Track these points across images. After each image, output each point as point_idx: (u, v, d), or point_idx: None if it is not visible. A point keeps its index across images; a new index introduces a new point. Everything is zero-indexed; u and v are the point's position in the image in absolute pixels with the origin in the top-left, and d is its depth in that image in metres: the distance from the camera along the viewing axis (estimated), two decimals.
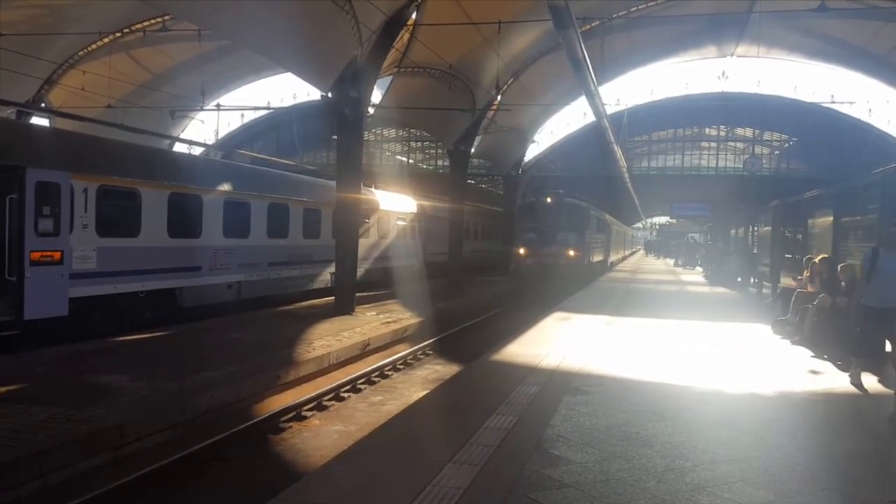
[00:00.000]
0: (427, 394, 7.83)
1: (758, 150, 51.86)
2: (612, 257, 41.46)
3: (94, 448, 7.18)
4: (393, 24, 18.20)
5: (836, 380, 9.13)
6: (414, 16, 21.04)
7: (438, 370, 13.20)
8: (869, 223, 13.31)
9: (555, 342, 11.44)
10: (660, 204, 62.41)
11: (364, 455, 5.63)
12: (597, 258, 30.70)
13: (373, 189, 25.58)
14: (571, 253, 25.26)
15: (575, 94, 34.00)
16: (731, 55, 40.37)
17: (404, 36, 22.60)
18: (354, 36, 16.79)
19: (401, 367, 13.34)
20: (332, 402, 10.41)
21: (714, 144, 55.56)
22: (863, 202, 13.48)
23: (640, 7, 30.08)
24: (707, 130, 55.54)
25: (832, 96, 49.89)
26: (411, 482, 4.92)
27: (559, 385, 8.21)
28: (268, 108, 44.92)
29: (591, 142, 42.86)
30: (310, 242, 20.53)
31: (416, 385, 11.78)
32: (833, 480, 5.24)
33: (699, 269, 40.64)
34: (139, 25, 30.87)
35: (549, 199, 26.79)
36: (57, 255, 12.02)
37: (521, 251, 25.92)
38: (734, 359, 10.59)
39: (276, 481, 6.18)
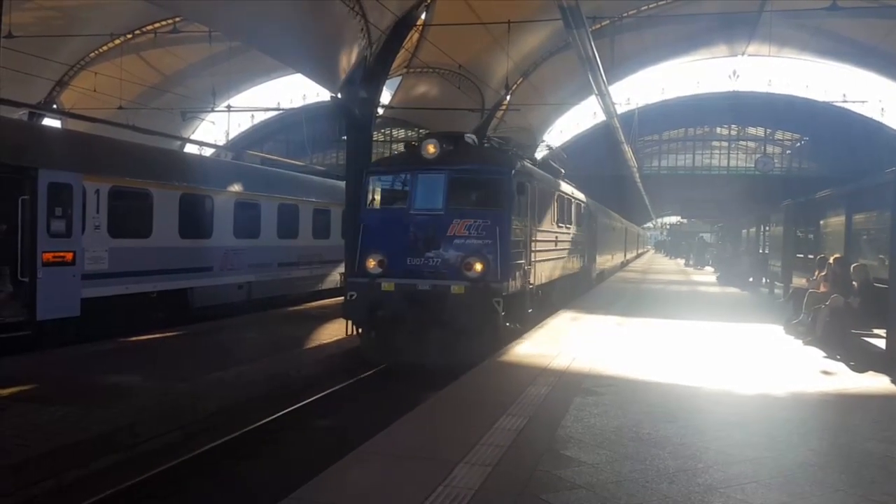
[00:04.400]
0: (438, 393, 7.82)
1: (769, 149, 51.70)
2: (603, 264, 29.26)
3: (108, 447, 7.21)
4: (403, 25, 18.23)
5: (848, 380, 9.06)
6: (423, 16, 21.07)
7: (447, 369, 13.16)
8: (882, 223, 13.22)
9: (565, 343, 11.40)
10: (671, 204, 62.23)
11: (376, 455, 5.63)
12: (560, 271, 16.97)
13: None
14: (478, 267, 11.23)
15: (585, 94, 33.99)
16: (742, 54, 40.31)
17: (414, 36, 22.65)
18: (364, 37, 16.83)
19: None
20: (345, 402, 10.42)
21: (725, 144, 55.45)
22: (876, 201, 13.39)
23: (650, 6, 30.04)
24: (718, 130, 55.44)
25: (844, 95, 49.78)
26: (423, 482, 4.92)
27: (570, 386, 8.18)
28: (278, 109, 45.05)
29: (600, 141, 42.79)
30: (319, 243, 20.58)
31: (428, 384, 11.76)
32: (846, 482, 5.20)
33: (709, 268, 40.48)
34: (150, 27, 31.09)
35: (430, 148, 11.95)
36: (69, 256, 12.09)
37: (369, 263, 11.65)
38: (746, 359, 10.53)
39: (288, 481, 6.18)
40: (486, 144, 13.44)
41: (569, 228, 17.97)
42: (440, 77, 27.57)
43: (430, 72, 26.95)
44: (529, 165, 14.06)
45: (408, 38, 20.51)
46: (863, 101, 41.02)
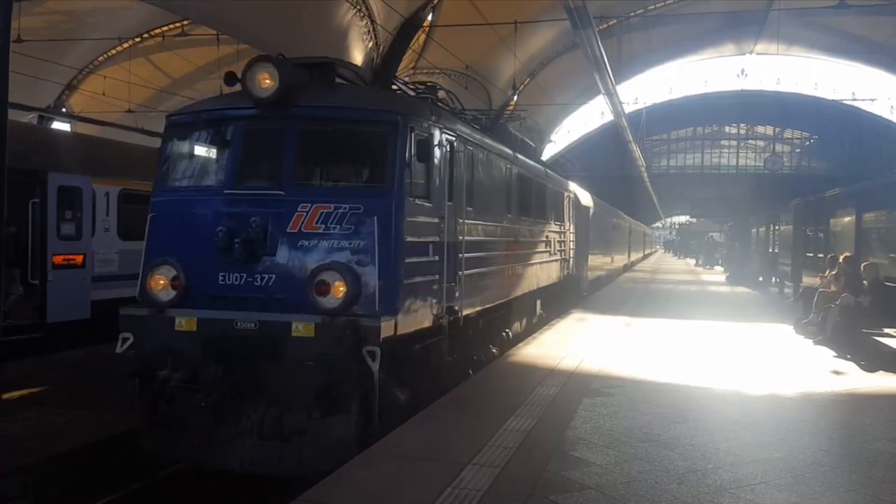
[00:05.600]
0: (445, 395, 7.81)
1: (778, 148, 51.57)
2: (601, 269, 24.92)
3: (117, 450, 7.23)
4: (409, 26, 18.28)
5: (859, 380, 9.02)
6: (430, 17, 21.10)
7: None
8: (893, 221, 13.17)
9: (573, 344, 11.37)
10: (679, 203, 62.05)
11: (385, 456, 5.63)
12: (521, 286, 11.82)
13: None
14: (340, 290, 6.18)
15: (592, 93, 33.99)
16: (750, 52, 40.25)
17: (420, 37, 22.67)
18: (371, 38, 16.87)
19: None
20: None
21: (734, 143, 55.35)
22: (886, 200, 13.33)
23: (657, 5, 30.00)
24: (727, 129, 55.34)
25: (853, 93, 49.48)
26: (431, 484, 4.92)
27: (578, 386, 8.16)
28: None
29: (608, 141, 42.79)
30: None
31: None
32: (857, 482, 5.18)
33: (719, 268, 40.35)
34: (158, 30, 31.19)
35: (264, 79, 6.57)
36: (79, 259, 12.14)
37: (155, 283, 6.69)
38: (756, 359, 10.48)
39: (294, 482, 6.19)
40: (397, 90, 8.85)
41: (542, 224, 13.37)
42: (447, 78, 27.54)
43: (437, 72, 26.95)
44: (461, 126, 8.49)
45: (414, 38, 20.53)
46: (872, 99, 40.82)
